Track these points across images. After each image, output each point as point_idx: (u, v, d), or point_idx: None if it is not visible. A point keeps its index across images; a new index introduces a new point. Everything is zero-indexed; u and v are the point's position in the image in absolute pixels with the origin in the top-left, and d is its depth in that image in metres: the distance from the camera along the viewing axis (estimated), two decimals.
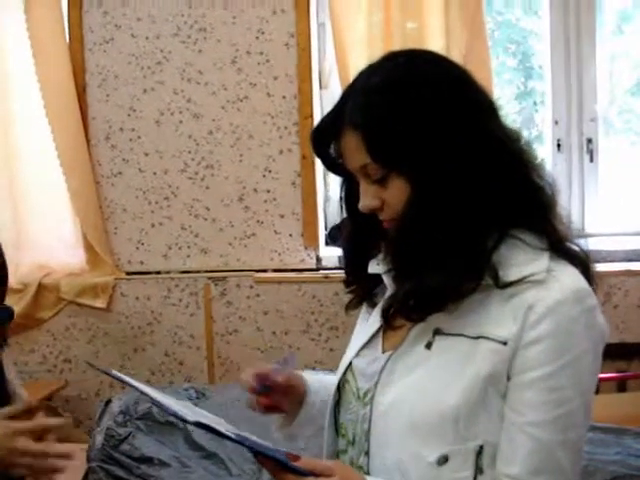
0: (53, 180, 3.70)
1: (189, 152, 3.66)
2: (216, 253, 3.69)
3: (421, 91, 1.17)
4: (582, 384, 1.14)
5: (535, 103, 3.89)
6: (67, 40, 3.64)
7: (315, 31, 3.63)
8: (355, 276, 1.34)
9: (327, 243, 3.70)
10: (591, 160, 3.59)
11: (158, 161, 3.68)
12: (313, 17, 3.60)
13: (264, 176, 3.63)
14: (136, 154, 3.69)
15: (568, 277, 1.17)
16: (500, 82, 3.83)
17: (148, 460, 2.70)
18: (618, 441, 2.69)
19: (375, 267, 1.28)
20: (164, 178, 3.68)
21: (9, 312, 1.93)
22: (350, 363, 1.31)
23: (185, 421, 1.14)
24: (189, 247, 3.70)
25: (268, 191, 3.63)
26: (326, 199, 3.74)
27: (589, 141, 3.59)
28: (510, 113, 3.81)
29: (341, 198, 1.33)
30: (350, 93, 1.23)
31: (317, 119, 3.56)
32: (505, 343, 1.14)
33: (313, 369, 3.24)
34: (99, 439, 2.76)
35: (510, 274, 1.16)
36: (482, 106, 1.21)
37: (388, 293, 1.26)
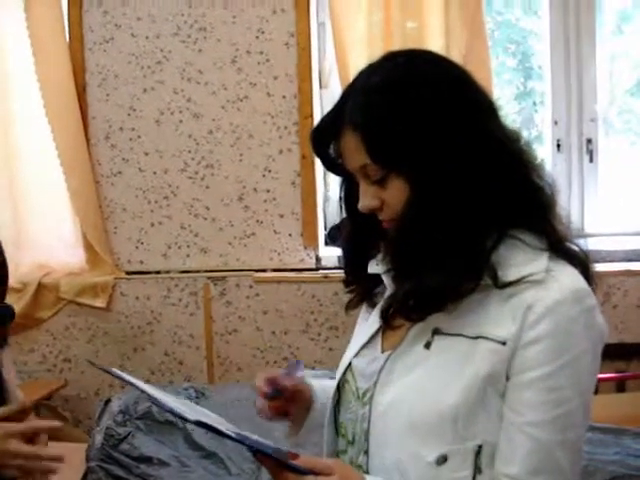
0: (53, 179, 3.70)
1: (189, 152, 3.66)
2: (216, 253, 3.69)
3: (421, 91, 1.17)
4: (581, 384, 1.14)
5: (535, 103, 3.89)
6: (67, 39, 3.64)
7: (315, 31, 3.63)
8: (355, 276, 1.35)
9: (327, 243, 3.70)
10: (591, 160, 3.59)
11: (158, 161, 3.68)
12: (313, 16, 3.60)
13: (264, 176, 3.63)
14: (136, 154, 3.69)
15: (567, 277, 1.17)
16: (500, 82, 3.83)
17: (147, 459, 2.70)
18: (617, 441, 2.70)
19: (375, 267, 1.28)
20: (164, 178, 3.68)
21: (10, 311, 1.93)
22: (350, 363, 1.31)
23: (185, 420, 1.14)
24: (189, 247, 3.70)
25: (268, 191, 3.64)
26: (326, 199, 3.74)
27: (589, 141, 3.59)
28: (510, 113, 3.81)
29: (341, 198, 1.33)
30: (350, 93, 1.23)
31: (317, 119, 3.56)
32: (504, 343, 1.14)
33: (313, 369, 3.24)
34: (98, 438, 2.77)
35: (509, 274, 1.16)
36: (482, 106, 1.21)
37: (388, 293, 1.26)
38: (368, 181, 1.22)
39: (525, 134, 1.27)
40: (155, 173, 3.68)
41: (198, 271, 3.70)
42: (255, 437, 1.21)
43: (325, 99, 3.65)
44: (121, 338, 3.72)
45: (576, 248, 1.23)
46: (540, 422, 1.12)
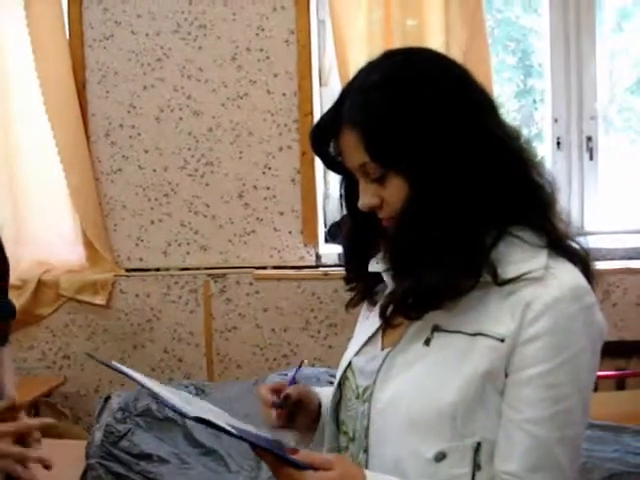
0: (53, 177, 3.71)
1: (189, 149, 3.66)
2: (216, 250, 3.69)
3: (420, 88, 1.17)
4: (580, 381, 1.14)
5: (535, 101, 3.89)
6: (67, 37, 3.64)
7: (315, 28, 3.63)
8: (355, 274, 1.35)
9: (327, 240, 3.70)
10: (591, 158, 3.59)
11: (158, 158, 3.68)
12: (313, 14, 3.60)
13: (264, 173, 3.63)
14: (136, 151, 3.69)
15: (566, 274, 1.17)
16: (500, 80, 3.83)
17: (147, 456, 2.71)
18: (616, 439, 2.70)
19: (375, 265, 1.28)
20: (164, 175, 3.68)
21: (11, 308, 1.93)
22: (350, 361, 1.31)
23: (185, 416, 1.14)
24: (189, 244, 3.70)
25: (268, 188, 3.64)
26: (326, 196, 3.74)
27: (589, 139, 3.59)
28: (510, 111, 3.82)
29: (341, 196, 1.33)
30: (349, 91, 1.23)
31: (317, 116, 3.56)
32: (503, 340, 1.14)
33: (312, 366, 3.24)
34: (98, 435, 2.77)
35: (508, 271, 1.16)
36: (481, 104, 1.22)
37: (388, 291, 1.27)
38: (367, 179, 1.22)
39: (525, 132, 1.27)
40: (155, 170, 3.68)
41: (198, 268, 3.70)
42: (255, 432, 1.21)
43: (325, 97, 3.65)
44: (121, 335, 3.73)
45: (576, 246, 1.23)
46: (539, 419, 1.13)
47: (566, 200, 3.44)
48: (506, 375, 1.15)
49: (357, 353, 1.31)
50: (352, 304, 1.38)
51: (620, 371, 3.41)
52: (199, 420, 1.13)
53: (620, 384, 3.41)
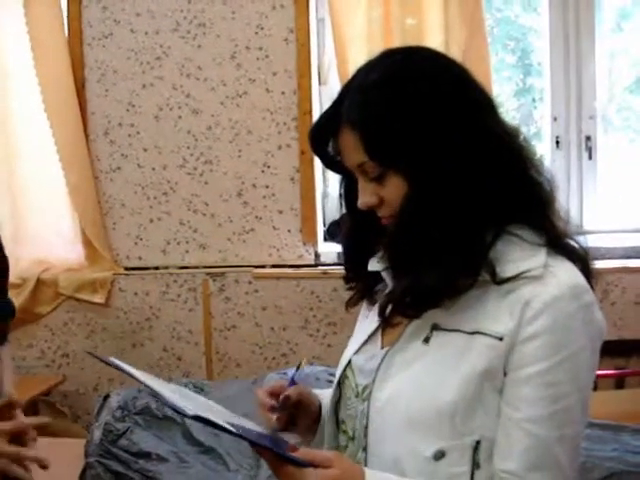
0: (52, 175, 3.70)
1: (188, 147, 3.66)
2: (215, 249, 3.69)
3: (419, 87, 1.17)
4: (579, 380, 1.14)
5: (534, 100, 3.89)
6: (66, 35, 3.64)
7: (314, 26, 3.62)
8: (355, 273, 1.35)
9: (326, 239, 3.70)
10: (590, 157, 3.59)
11: (157, 156, 3.68)
12: (312, 12, 3.60)
13: (263, 172, 3.63)
14: (135, 149, 3.69)
15: (565, 273, 1.17)
16: (499, 79, 3.83)
17: (146, 455, 2.71)
18: (616, 438, 2.70)
19: (375, 264, 1.28)
20: (163, 173, 3.68)
21: (11, 307, 1.93)
22: (350, 360, 1.31)
23: (184, 414, 1.14)
24: (188, 242, 3.70)
25: (267, 187, 3.63)
26: (325, 195, 3.74)
27: (588, 138, 3.59)
28: (509, 110, 3.82)
29: (340, 195, 1.33)
30: (347, 91, 1.23)
31: (316, 115, 3.56)
32: (501, 339, 1.14)
33: (311, 364, 3.24)
34: (97, 434, 2.77)
35: (507, 270, 1.16)
36: (481, 103, 1.22)
37: (387, 290, 1.27)
38: (366, 178, 1.22)
39: (524, 131, 1.27)
40: (154, 169, 3.68)
41: (197, 267, 3.70)
42: (255, 429, 1.21)
43: (324, 95, 3.65)
44: (120, 334, 3.73)
45: (575, 244, 1.23)
46: (538, 418, 1.13)
47: (565, 199, 3.43)
48: (505, 374, 1.15)
49: (357, 352, 1.31)
50: (352, 303, 1.37)
51: (619, 370, 3.41)
52: (198, 419, 1.13)
53: (619, 383, 3.41)
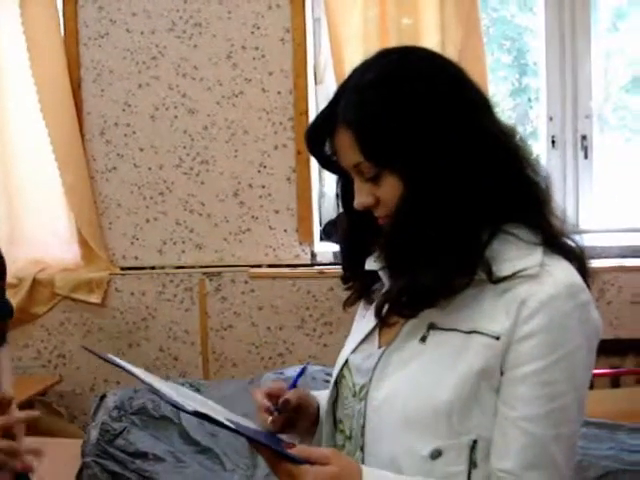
0: (48, 175, 3.70)
1: (184, 147, 3.66)
2: (211, 248, 3.69)
3: (415, 87, 1.17)
4: (576, 379, 1.15)
5: (530, 100, 3.90)
6: (62, 35, 3.64)
7: (310, 26, 3.63)
8: (352, 273, 1.35)
9: (322, 239, 3.70)
10: (585, 157, 3.60)
11: (153, 156, 3.68)
12: (308, 12, 3.60)
13: (259, 171, 3.63)
14: (131, 149, 3.69)
15: (562, 272, 1.17)
16: (495, 79, 3.83)
17: (143, 455, 2.71)
18: (611, 436, 2.71)
19: (372, 264, 1.28)
20: (159, 173, 3.68)
21: (8, 308, 1.93)
22: (347, 359, 1.31)
23: (183, 410, 1.14)
24: (184, 242, 3.70)
25: (263, 186, 3.63)
26: (321, 195, 3.74)
27: (583, 138, 3.59)
28: (505, 109, 3.82)
29: (337, 195, 1.33)
30: (344, 90, 1.23)
31: (312, 114, 3.56)
32: (498, 338, 1.14)
33: (307, 364, 3.24)
34: (94, 434, 2.77)
35: (503, 269, 1.16)
36: (476, 103, 1.22)
37: (384, 290, 1.27)
38: (362, 178, 1.22)
39: (520, 130, 1.28)
40: (150, 169, 3.68)
41: (193, 267, 3.70)
42: (253, 427, 1.21)
43: (320, 95, 3.65)
44: (116, 334, 3.73)
45: (572, 243, 1.23)
46: (534, 417, 1.13)
47: (561, 198, 3.43)
48: (501, 373, 1.15)
49: (354, 351, 1.31)
50: (349, 303, 1.37)
51: (615, 369, 3.42)
52: (197, 414, 1.13)
53: (615, 382, 3.42)
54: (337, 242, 1.39)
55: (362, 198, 1.23)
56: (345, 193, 1.30)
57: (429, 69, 1.21)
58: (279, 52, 3.57)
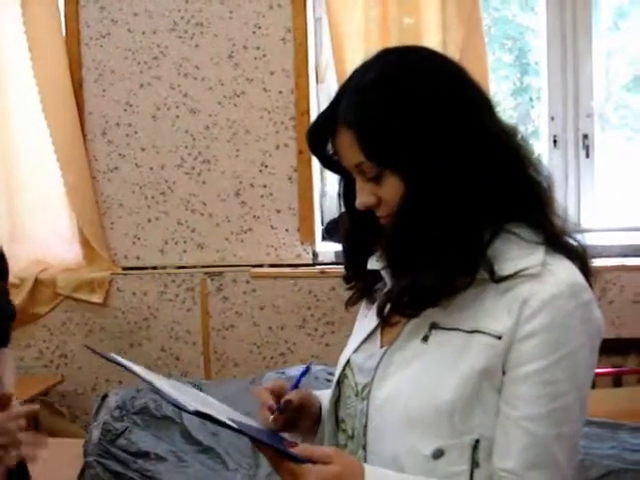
0: (49, 175, 3.70)
1: (185, 147, 3.66)
2: (212, 248, 3.69)
3: (416, 86, 1.17)
4: (577, 378, 1.14)
5: (531, 99, 3.90)
6: (63, 35, 3.64)
7: (312, 26, 3.63)
8: (355, 272, 1.34)
9: (323, 238, 3.70)
10: (587, 156, 3.59)
11: (154, 156, 3.68)
12: (310, 12, 3.60)
13: (260, 171, 3.63)
14: (132, 149, 3.69)
15: (564, 271, 1.17)
16: (496, 78, 3.83)
17: (145, 454, 2.71)
18: (613, 436, 2.71)
19: (374, 263, 1.28)
20: (160, 173, 3.68)
21: (11, 309, 1.94)
22: (349, 359, 1.31)
23: (185, 410, 1.13)
24: (185, 242, 3.70)
25: (264, 186, 3.64)
26: (322, 194, 3.74)
27: (585, 137, 3.59)
28: (506, 109, 3.82)
29: (339, 195, 1.33)
30: (345, 90, 1.23)
31: (314, 114, 3.56)
32: (500, 337, 1.14)
33: (310, 364, 3.24)
34: (96, 434, 2.77)
35: (505, 268, 1.16)
36: (478, 102, 1.22)
37: (386, 289, 1.27)
38: (364, 178, 1.22)
39: (521, 130, 1.27)
40: (152, 169, 3.68)
41: (195, 266, 3.70)
42: (255, 425, 1.21)
43: (322, 94, 3.65)
44: (118, 334, 3.73)
45: (574, 242, 1.23)
46: (536, 416, 1.13)
47: (562, 197, 3.44)
48: (503, 372, 1.15)
49: (356, 350, 1.31)
50: (351, 302, 1.37)
51: (617, 368, 3.41)
52: (199, 414, 1.12)
53: (617, 381, 3.41)
54: (339, 241, 1.38)
55: (364, 198, 1.22)
56: (347, 193, 1.30)
57: (430, 69, 1.20)
58: (280, 52, 3.57)
